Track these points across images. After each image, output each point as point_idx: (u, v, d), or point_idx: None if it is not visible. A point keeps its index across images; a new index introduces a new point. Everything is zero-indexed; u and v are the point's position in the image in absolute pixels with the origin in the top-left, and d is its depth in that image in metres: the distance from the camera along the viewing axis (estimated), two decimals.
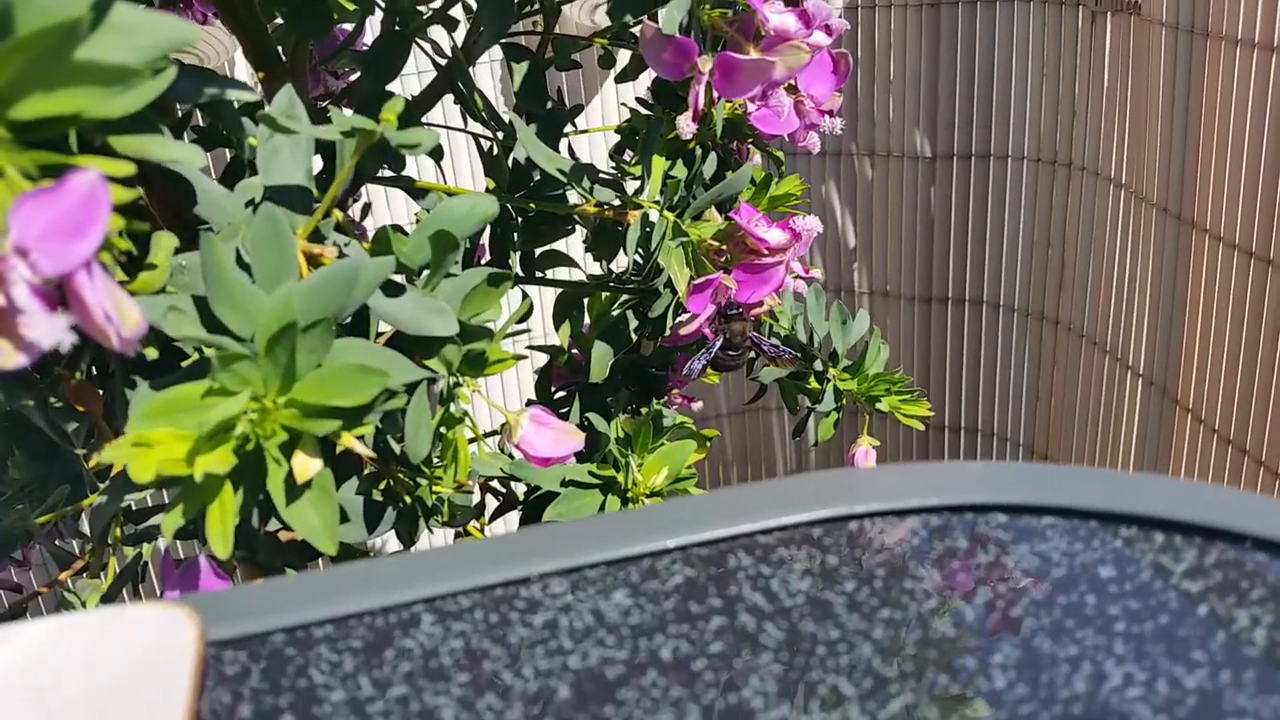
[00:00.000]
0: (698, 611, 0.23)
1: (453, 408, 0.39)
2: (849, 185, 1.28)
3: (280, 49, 0.51)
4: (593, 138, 1.10)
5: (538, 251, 0.65)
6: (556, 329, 0.70)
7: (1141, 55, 1.00)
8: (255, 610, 0.23)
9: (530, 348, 0.78)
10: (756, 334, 0.52)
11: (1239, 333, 0.90)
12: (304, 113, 0.36)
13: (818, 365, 0.62)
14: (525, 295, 0.74)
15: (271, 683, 0.22)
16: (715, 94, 0.45)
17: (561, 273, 0.74)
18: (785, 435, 1.41)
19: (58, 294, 0.25)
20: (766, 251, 0.47)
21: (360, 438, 0.32)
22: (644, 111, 0.61)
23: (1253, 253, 0.87)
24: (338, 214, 0.39)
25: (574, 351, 0.75)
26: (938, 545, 0.24)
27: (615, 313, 0.67)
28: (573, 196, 0.58)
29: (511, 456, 0.51)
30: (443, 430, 0.39)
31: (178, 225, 0.36)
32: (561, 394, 0.75)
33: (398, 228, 0.39)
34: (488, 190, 0.63)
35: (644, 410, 0.75)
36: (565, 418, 0.75)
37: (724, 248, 0.49)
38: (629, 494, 0.53)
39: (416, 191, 0.54)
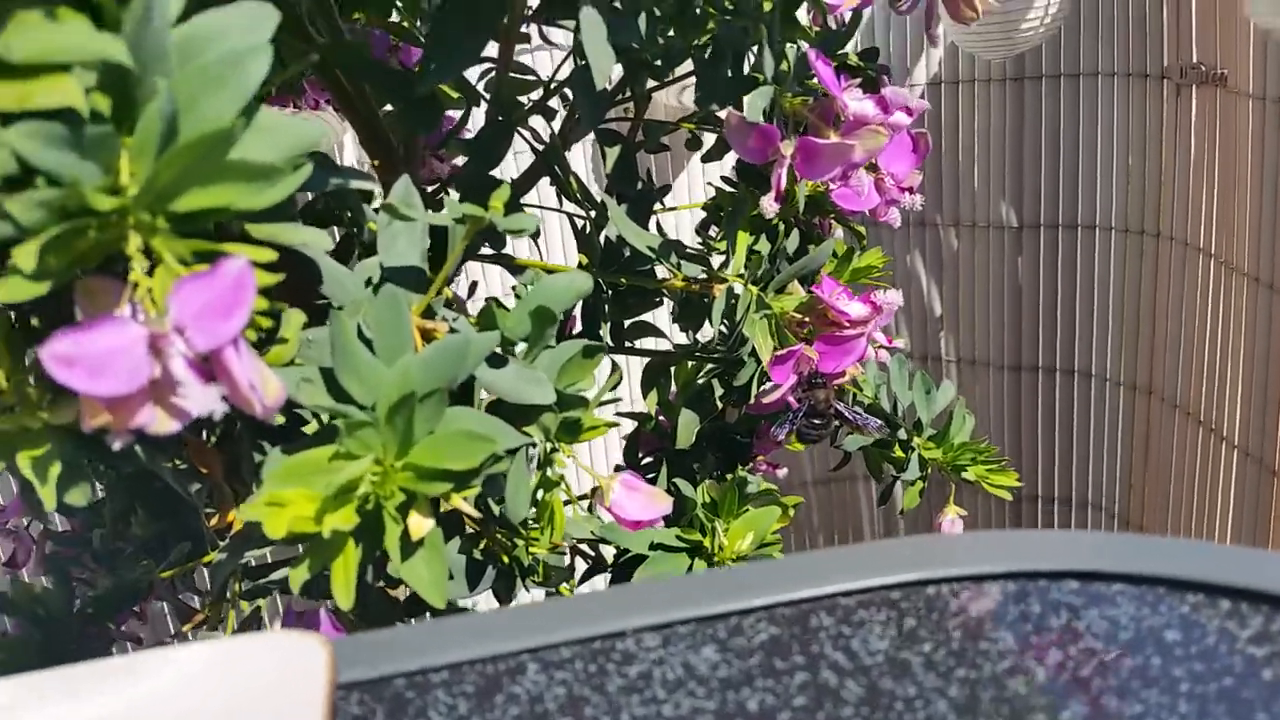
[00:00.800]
0: (782, 667, 0.25)
1: (549, 472, 0.41)
2: (934, 255, 1.28)
3: (391, 136, 0.55)
4: (679, 214, 1.13)
5: (627, 322, 0.68)
6: (644, 396, 0.73)
7: (1229, 126, 1.00)
8: (378, 656, 0.25)
9: (619, 414, 0.81)
10: (840, 403, 0.53)
11: None
12: (419, 201, 0.39)
13: (902, 434, 0.63)
14: (615, 364, 0.77)
15: None
16: (797, 175, 0.47)
17: (649, 343, 0.76)
18: (872, 503, 1.41)
19: (206, 367, 0.28)
20: (848, 324, 0.49)
21: (466, 499, 0.35)
22: (729, 190, 0.64)
23: None
24: (447, 291, 0.42)
25: (661, 418, 0.77)
26: (1011, 609, 0.26)
27: (701, 381, 0.69)
28: (661, 271, 0.61)
29: (601, 520, 0.53)
30: (540, 493, 0.41)
31: (302, 303, 0.40)
32: (648, 460, 0.77)
33: (496, 301, 0.42)
34: (580, 266, 0.67)
35: (729, 476, 0.77)
36: (653, 483, 0.77)
37: (806, 319, 0.51)
38: (715, 558, 0.55)
39: (514, 267, 0.57)
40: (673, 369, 0.73)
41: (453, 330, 0.41)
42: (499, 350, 0.40)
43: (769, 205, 0.46)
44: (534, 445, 0.41)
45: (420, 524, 0.32)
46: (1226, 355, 1.03)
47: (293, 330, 0.37)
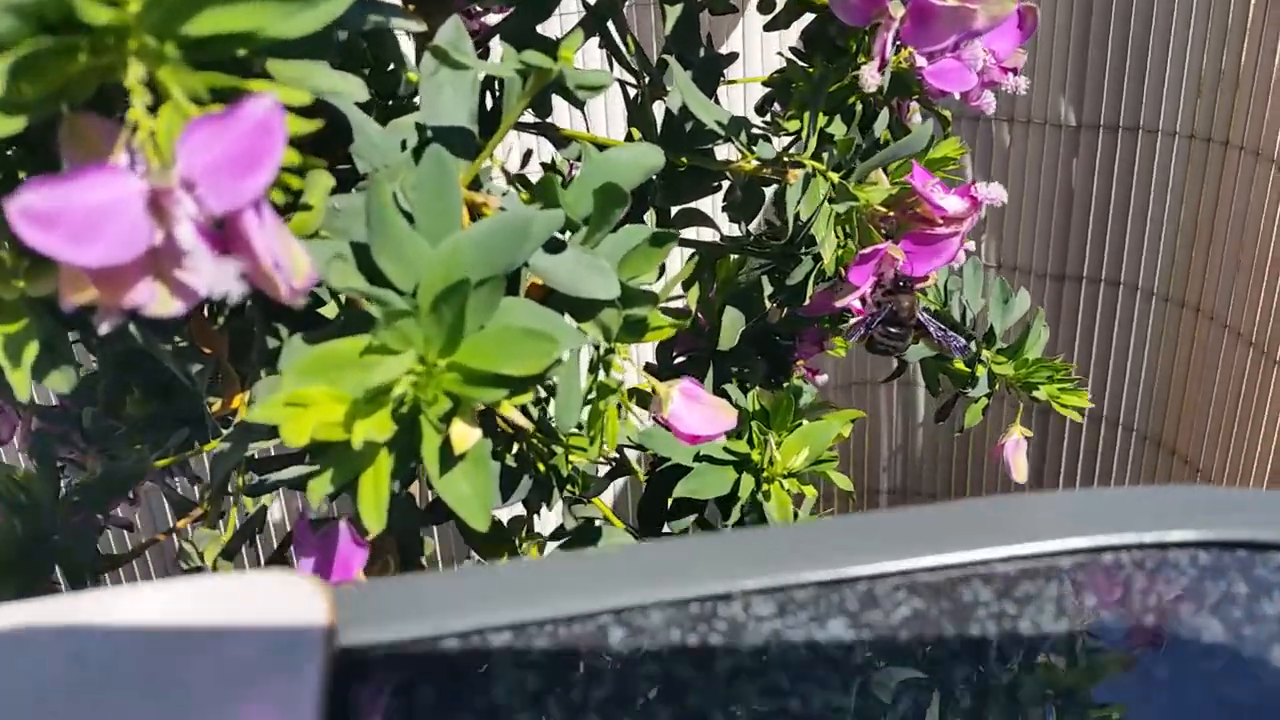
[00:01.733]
0: (934, 652, 0.20)
1: (606, 376, 0.36)
2: (984, 151, 1.21)
3: None
4: (731, 90, 1.05)
5: (674, 209, 0.62)
6: (685, 291, 0.67)
7: None
8: (421, 609, 0.21)
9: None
10: (925, 313, 0.48)
11: None
12: (471, 47, 0.33)
13: (971, 345, 0.57)
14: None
15: (441, 700, 0.19)
16: (902, 42, 0.41)
17: (690, 232, 0.70)
18: (892, 411, 1.37)
19: (221, 235, 0.23)
20: (940, 221, 0.43)
21: (520, 407, 0.30)
22: (799, 62, 0.57)
23: None
24: (498, 159, 0.36)
25: (699, 315, 0.72)
26: (1210, 588, 0.21)
27: (749, 278, 0.63)
28: (723, 151, 0.55)
29: (639, 425, 0.48)
30: (591, 399, 0.36)
31: (328, 165, 0.34)
32: (681, 360, 0.72)
33: (553, 169, 0.36)
34: (629, 139, 0.60)
35: (780, 383, 0.72)
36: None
37: (891, 214, 0.45)
38: (764, 473, 0.50)
39: (559, 138, 0.51)
40: (717, 262, 0.67)
41: (502, 208, 0.35)
42: (556, 232, 0.34)
43: (871, 77, 0.40)
44: (592, 346, 0.35)
45: (466, 435, 0.27)
46: None
47: (319, 194, 0.31)
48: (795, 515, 0.51)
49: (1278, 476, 1.02)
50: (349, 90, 0.28)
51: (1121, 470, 1.24)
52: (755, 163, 0.47)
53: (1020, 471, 0.57)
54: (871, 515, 0.23)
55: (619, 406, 0.36)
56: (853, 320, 0.47)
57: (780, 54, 0.57)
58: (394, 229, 0.28)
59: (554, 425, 0.36)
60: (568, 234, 0.35)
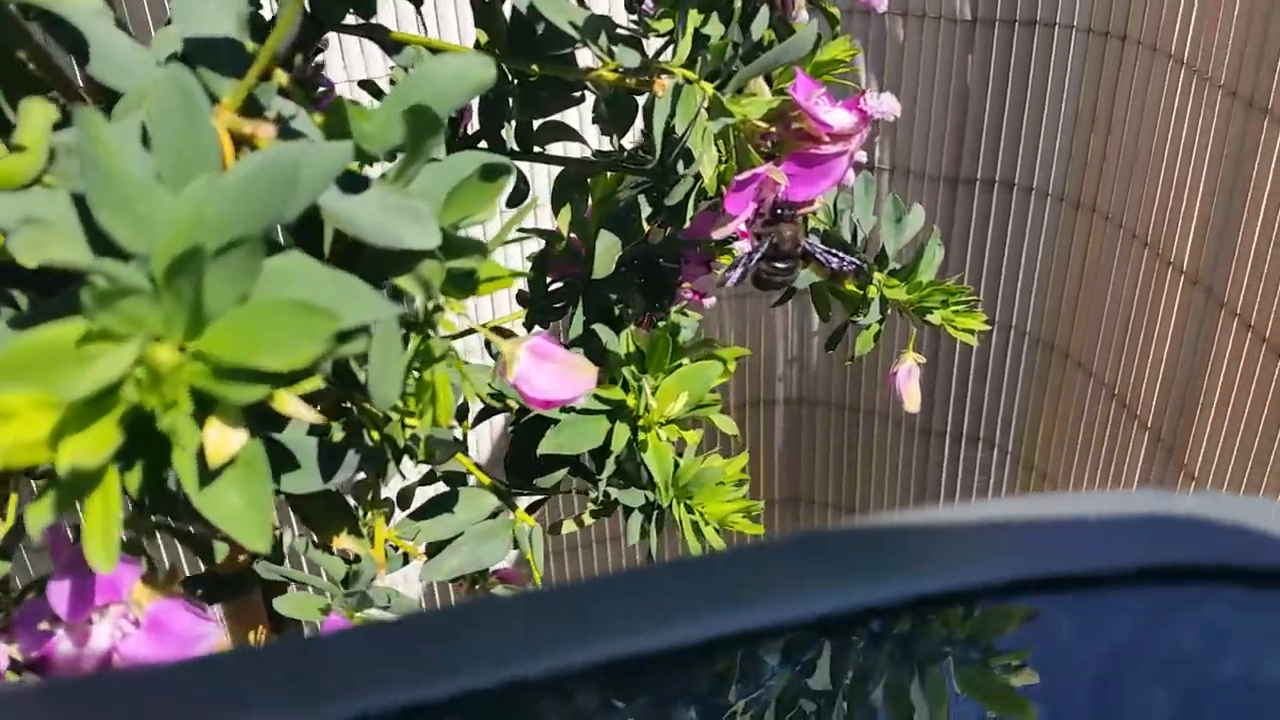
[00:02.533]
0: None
1: (432, 338, 0.30)
2: (876, 49, 1.16)
3: None
4: None
5: (537, 122, 0.55)
6: (555, 213, 0.61)
7: None
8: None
9: (522, 230, 0.69)
10: (810, 239, 0.43)
11: None
12: None
13: (863, 267, 0.53)
14: (522, 178, 0.64)
15: None
16: None
17: (559, 148, 0.64)
18: (788, 320, 1.34)
19: None
20: (827, 139, 0.38)
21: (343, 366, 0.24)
22: None
23: None
24: (281, 76, 0.29)
25: (573, 238, 0.66)
26: (1154, 640, 0.16)
27: (624, 197, 0.57)
28: (586, 58, 0.48)
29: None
30: (417, 369, 0.30)
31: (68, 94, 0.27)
32: (558, 285, 0.66)
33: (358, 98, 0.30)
34: (479, 46, 0.53)
35: (658, 313, 0.67)
36: (561, 314, 0.66)
37: (772, 130, 0.40)
38: (640, 421, 0.45)
39: (390, 45, 0.44)
40: (590, 181, 0.61)
41: (287, 135, 0.29)
42: (355, 168, 0.28)
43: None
44: (406, 309, 0.29)
45: (223, 442, 0.21)
46: (1185, 175, 0.95)
47: (36, 131, 0.25)
48: (676, 464, 0.46)
49: (1169, 378, 1.01)
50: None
51: (1014, 374, 1.23)
52: (618, 71, 0.41)
53: (913, 400, 0.54)
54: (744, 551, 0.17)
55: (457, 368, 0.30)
56: (732, 263, 0.42)
57: None
58: (115, 176, 0.21)
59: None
60: (374, 168, 0.28)
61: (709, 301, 0.72)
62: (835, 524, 1.46)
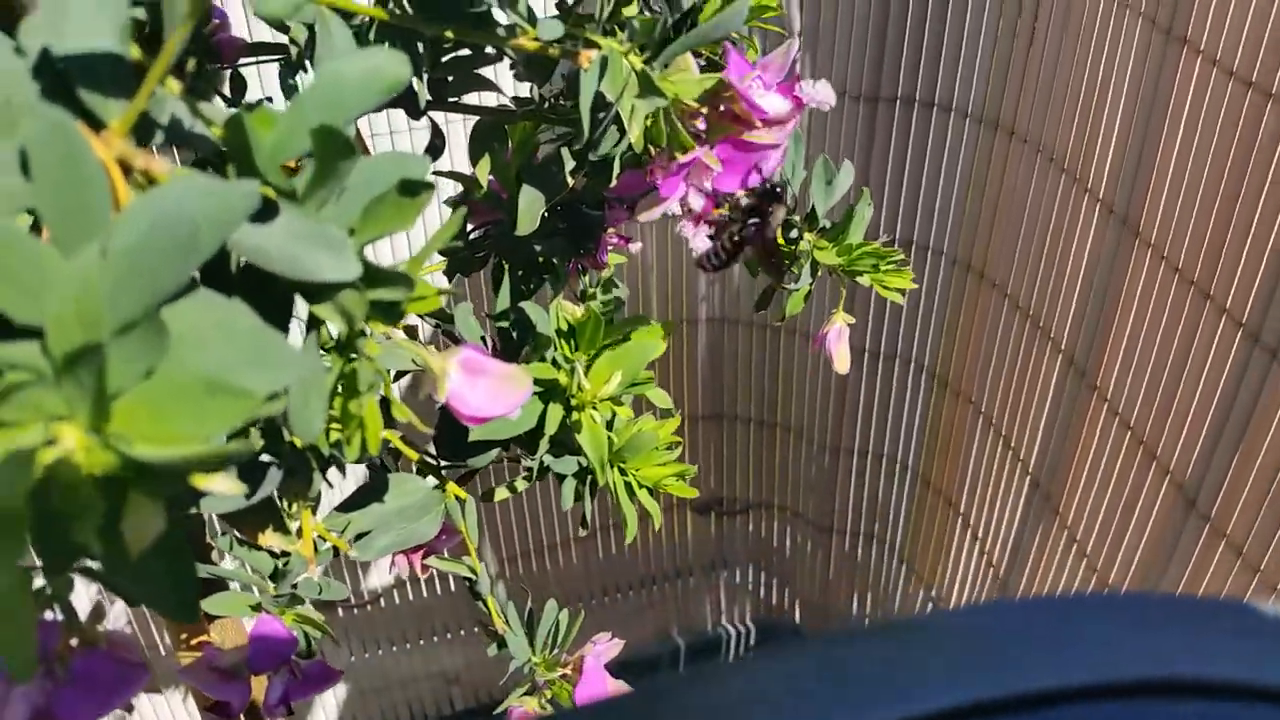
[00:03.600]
0: None
1: (358, 365, 0.28)
2: None
3: None
4: None
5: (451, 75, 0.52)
6: (473, 164, 0.59)
7: None
8: None
9: (438, 173, 0.66)
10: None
11: (1220, 165, 0.83)
12: None
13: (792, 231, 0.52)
14: (436, 126, 0.61)
15: None
16: None
17: (474, 96, 0.61)
18: (709, 281, 1.34)
19: None
20: (760, 124, 0.36)
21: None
22: None
23: (1250, 81, 0.79)
24: (173, 85, 0.27)
25: (493, 181, 0.63)
26: None
27: (547, 151, 0.55)
28: (504, 18, 0.45)
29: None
30: (340, 394, 0.29)
31: None
32: (477, 233, 0.64)
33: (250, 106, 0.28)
34: (386, 5, 0.50)
35: (584, 259, 0.65)
36: (483, 264, 0.64)
37: (703, 111, 0.38)
38: (574, 401, 0.44)
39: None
40: (507, 129, 0.59)
41: (190, 146, 0.26)
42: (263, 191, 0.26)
43: None
44: (325, 346, 0.28)
45: (141, 533, 0.20)
46: (1104, 102, 0.96)
47: None
48: (610, 441, 0.45)
49: (1083, 302, 1.03)
50: None
51: (930, 294, 1.24)
52: (538, 40, 0.38)
53: (842, 362, 0.53)
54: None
55: (380, 396, 0.29)
56: (699, 247, 0.40)
57: None
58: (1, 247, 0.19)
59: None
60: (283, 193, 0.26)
61: (635, 246, 0.70)
62: (759, 443, 1.48)
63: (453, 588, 1.46)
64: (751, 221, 0.41)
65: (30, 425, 0.19)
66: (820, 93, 0.37)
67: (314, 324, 0.29)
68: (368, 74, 0.27)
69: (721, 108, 0.37)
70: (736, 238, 0.41)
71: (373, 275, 0.26)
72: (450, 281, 0.64)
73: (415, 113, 0.49)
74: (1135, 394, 0.97)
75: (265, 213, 0.25)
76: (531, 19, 0.39)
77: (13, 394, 0.19)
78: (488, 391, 0.31)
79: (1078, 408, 1.06)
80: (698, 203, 0.38)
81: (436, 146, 0.56)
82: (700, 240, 0.39)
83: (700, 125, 0.38)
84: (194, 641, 0.60)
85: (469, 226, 0.64)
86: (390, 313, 0.27)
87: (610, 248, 0.69)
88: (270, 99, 0.71)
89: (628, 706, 0.17)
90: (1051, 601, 0.19)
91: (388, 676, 1.50)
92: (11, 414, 0.19)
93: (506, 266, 0.64)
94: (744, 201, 0.40)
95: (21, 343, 0.20)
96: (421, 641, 1.50)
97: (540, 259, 0.66)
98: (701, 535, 1.60)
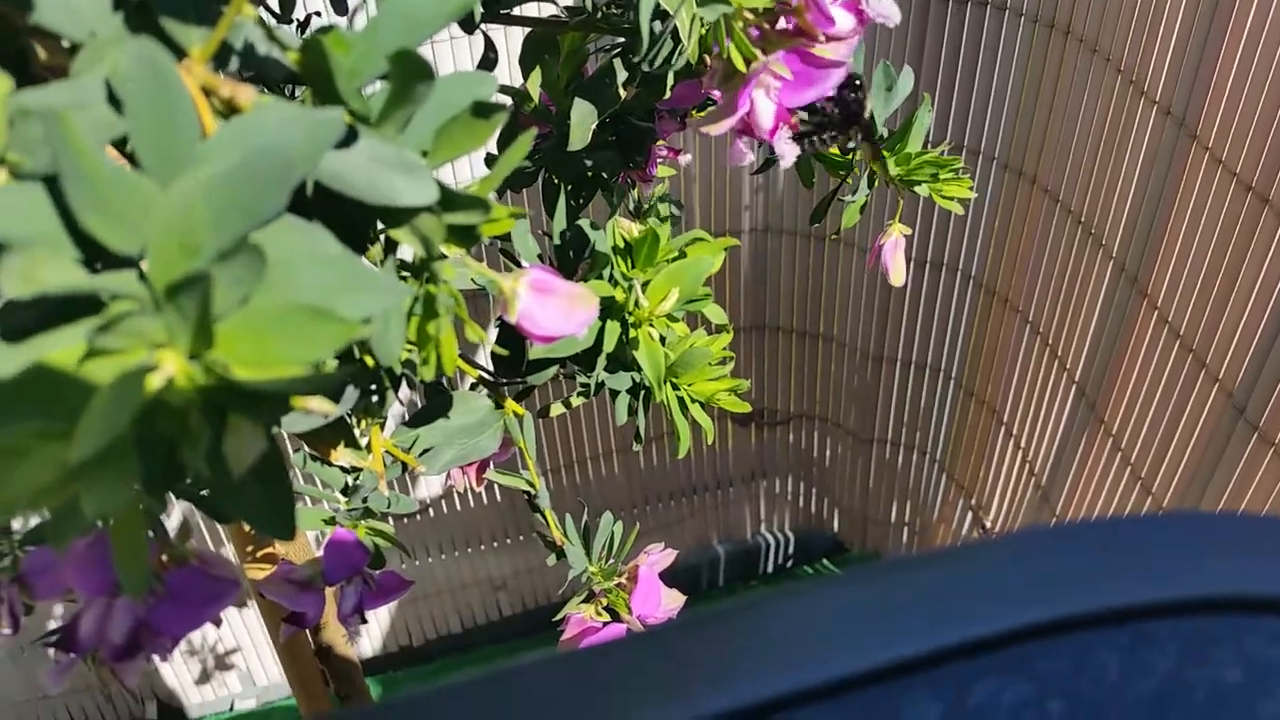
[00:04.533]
0: None
1: (435, 289, 0.29)
2: None
3: None
4: None
5: None
6: (524, 75, 0.58)
7: None
8: None
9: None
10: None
11: None
12: None
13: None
14: (489, 41, 0.61)
15: None
16: None
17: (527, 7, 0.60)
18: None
19: None
20: (824, 37, 0.36)
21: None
22: None
23: None
24: (249, 9, 0.27)
25: (542, 94, 0.63)
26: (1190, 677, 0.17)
27: (600, 64, 0.54)
28: None
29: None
30: (417, 316, 0.29)
31: (10, 65, 0.24)
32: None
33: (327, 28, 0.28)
34: None
35: (634, 172, 0.65)
36: (533, 180, 0.64)
37: (762, 26, 0.38)
38: (631, 318, 0.44)
39: None
40: (558, 40, 0.58)
41: (268, 76, 0.27)
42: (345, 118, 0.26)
43: None
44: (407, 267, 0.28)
45: (243, 453, 0.21)
46: (1163, 3, 0.92)
47: None
48: (666, 357, 0.46)
49: (1135, 208, 1.01)
50: None
51: (980, 200, 1.22)
52: None
53: (898, 274, 0.53)
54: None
55: (455, 320, 0.29)
56: (782, 139, 0.39)
57: None
58: (97, 178, 0.20)
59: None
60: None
61: (684, 159, 0.70)
62: (801, 353, 1.48)
63: (499, 498, 1.49)
64: (842, 114, 0.40)
65: (134, 352, 0.20)
66: (885, 7, 0.36)
67: (390, 247, 0.29)
68: None
69: (780, 22, 0.36)
70: (830, 135, 0.41)
71: (449, 199, 0.26)
72: (500, 198, 0.64)
73: (470, 26, 0.48)
74: (1186, 301, 0.96)
75: (345, 138, 0.25)
76: None
77: (117, 323, 0.19)
78: (557, 310, 0.31)
79: (1127, 316, 1.05)
80: (768, 113, 0.37)
81: (490, 60, 0.56)
82: (789, 149, 0.39)
83: (755, 36, 0.38)
84: (260, 554, 0.62)
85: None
86: (467, 236, 0.27)
87: (660, 160, 0.69)
88: (319, 13, 0.71)
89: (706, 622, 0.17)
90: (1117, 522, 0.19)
91: (436, 583, 1.55)
92: (116, 342, 0.20)
93: (558, 181, 0.64)
94: (828, 106, 0.40)
95: (121, 272, 0.21)
96: (469, 549, 1.53)
97: (589, 173, 0.66)
98: (742, 445, 1.61)
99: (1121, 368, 1.07)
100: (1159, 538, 0.18)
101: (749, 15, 0.37)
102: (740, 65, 0.37)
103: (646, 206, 0.52)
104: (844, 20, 0.35)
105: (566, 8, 0.58)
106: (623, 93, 0.55)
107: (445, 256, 0.28)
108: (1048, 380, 1.21)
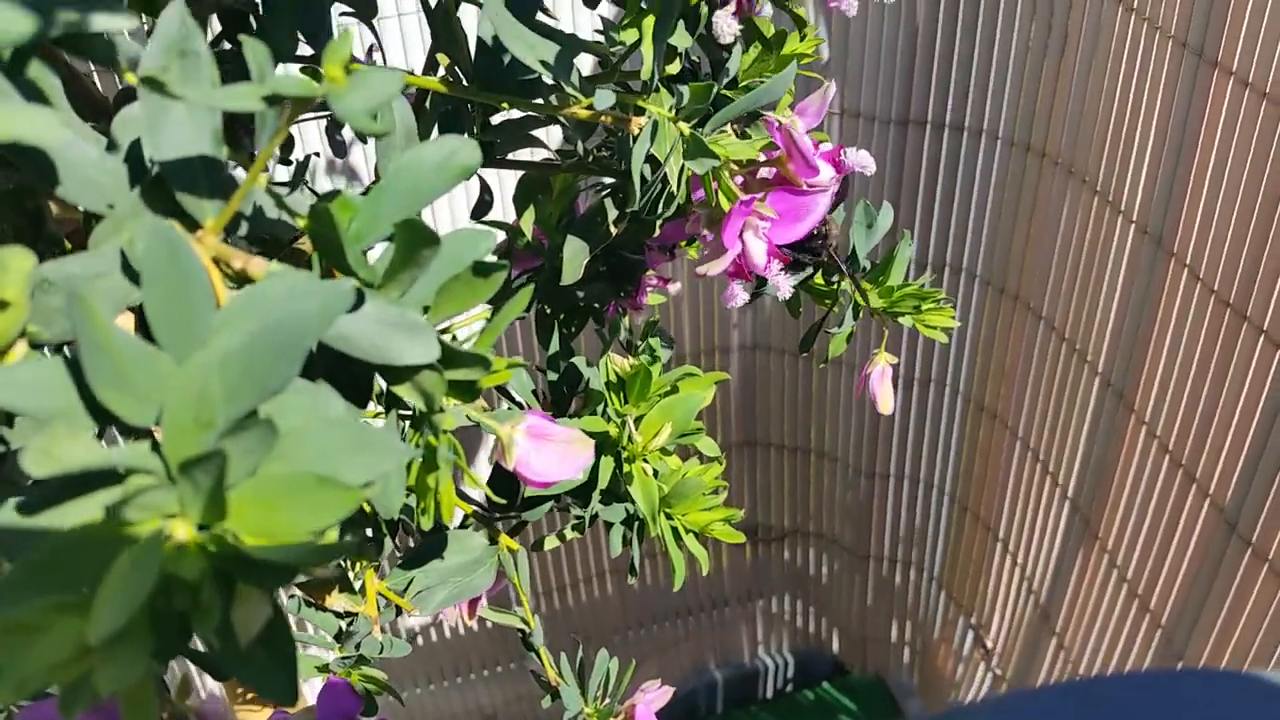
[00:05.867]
0: None
1: (434, 441, 0.29)
2: None
3: None
4: None
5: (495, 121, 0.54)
6: (518, 214, 0.60)
7: None
8: None
9: (483, 221, 0.67)
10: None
11: (1255, 186, 0.83)
12: (205, 55, 0.24)
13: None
14: (484, 183, 0.63)
15: None
16: None
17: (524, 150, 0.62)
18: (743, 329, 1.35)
19: None
20: (805, 186, 0.37)
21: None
22: None
23: (1270, 97, 0.79)
24: (261, 179, 0.28)
25: (537, 229, 0.65)
26: None
27: (591, 204, 0.56)
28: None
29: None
30: (418, 470, 0.30)
31: (29, 230, 0.25)
32: (520, 280, 0.65)
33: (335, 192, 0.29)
34: (434, 60, 0.51)
35: (625, 301, 0.66)
36: (527, 311, 0.65)
37: (743, 173, 0.39)
38: (626, 453, 0.45)
39: None
40: (552, 180, 0.60)
41: (277, 247, 0.28)
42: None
43: (727, 24, 0.33)
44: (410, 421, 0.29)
45: (250, 621, 0.21)
46: (1135, 123, 0.96)
47: (15, 285, 0.23)
48: (660, 490, 0.46)
49: (1119, 323, 1.03)
50: (39, 134, 0.21)
51: (964, 315, 1.25)
52: (590, 109, 0.40)
53: (886, 403, 0.54)
54: None
55: (455, 469, 0.30)
56: (775, 272, 0.41)
57: None
58: (115, 351, 0.21)
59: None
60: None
61: (674, 287, 0.72)
62: (793, 469, 1.49)
63: (489, 624, 1.46)
64: (815, 248, 0.42)
65: (149, 523, 0.20)
66: (862, 159, 0.38)
67: (393, 402, 0.30)
68: (444, 160, 0.28)
69: (758, 174, 0.38)
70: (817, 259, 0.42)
71: (450, 356, 0.27)
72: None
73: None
74: (1173, 416, 0.97)
75: (354, 301, 0.26)
76: (585, 88, 0.40)
77: (135, 497, 0.20)
78: (554, 456, 0.32)
79: (1115, 430, 1.06)
80: (760, 252, 0.38)
81: (486, 202, 0.57)
82: (784, 282, 0.40)
83: (740, 183, 0.39)
84: (249, 696, 0.61)
85: (513, 273, 0.65)
86: (467, 390, 0.28)
87: (650, 288, 0.70)
88: (318, 154, 0.73)
89: None
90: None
91: (426, 715, 1.51)
92: (133, 515, 0.20)
93: (551, 312, 0.65)
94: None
95: (136, 443, 0.21)
96: (459, 679, 1.50)
97: (581, 303, 0.67)
98: (737, 564, 1.60)
99: (1112, 482, 1.08)
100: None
101: (735, 165, 0.38)
102: (727, 209, 0.39)
103: (639, 344, 0.53)
104: (825, 170, 0.36)
105: (558, 150, 0.61)
106: (613, 230, 0.57)
107: (445, 410, 0.29)
108: (1040, 495, 1.21)
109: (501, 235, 0.65)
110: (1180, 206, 0.92)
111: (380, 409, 0.30)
